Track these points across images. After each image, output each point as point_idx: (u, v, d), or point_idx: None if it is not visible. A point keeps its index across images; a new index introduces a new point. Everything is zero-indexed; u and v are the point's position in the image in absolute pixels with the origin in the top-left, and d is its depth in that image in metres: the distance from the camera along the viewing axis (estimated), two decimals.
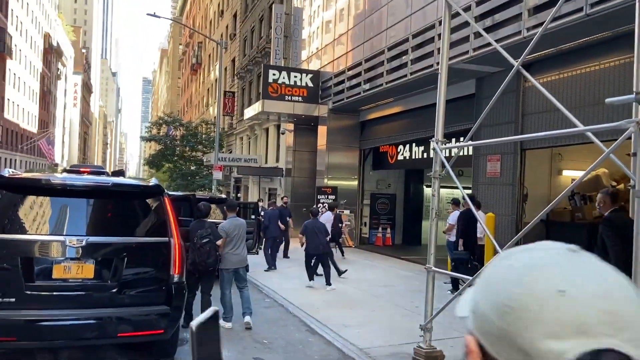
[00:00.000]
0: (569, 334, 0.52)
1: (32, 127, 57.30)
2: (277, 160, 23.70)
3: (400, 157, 15.84)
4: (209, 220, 7.26)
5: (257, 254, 12.67)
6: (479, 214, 10.56)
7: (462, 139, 12.64)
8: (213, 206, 11.36)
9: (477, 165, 11.34)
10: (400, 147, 15.68)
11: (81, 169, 6.94)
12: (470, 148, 12.22)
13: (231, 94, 30.67)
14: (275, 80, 17.34)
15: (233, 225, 7.13)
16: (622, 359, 0.50)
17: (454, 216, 10.44)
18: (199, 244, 6.63)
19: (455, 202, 10.70)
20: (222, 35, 38.08)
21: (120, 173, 11.62)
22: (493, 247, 10.69)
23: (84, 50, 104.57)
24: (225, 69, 36.12)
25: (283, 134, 20.99)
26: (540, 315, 0.53)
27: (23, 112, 53.97)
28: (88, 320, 4.42)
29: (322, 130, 17.89)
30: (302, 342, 6.68)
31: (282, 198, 16.81)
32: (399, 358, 5.82)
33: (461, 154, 12.79)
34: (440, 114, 5.56)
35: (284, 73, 17.59)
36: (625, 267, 4.96)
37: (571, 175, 11.39)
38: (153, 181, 5.51)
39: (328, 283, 9.77)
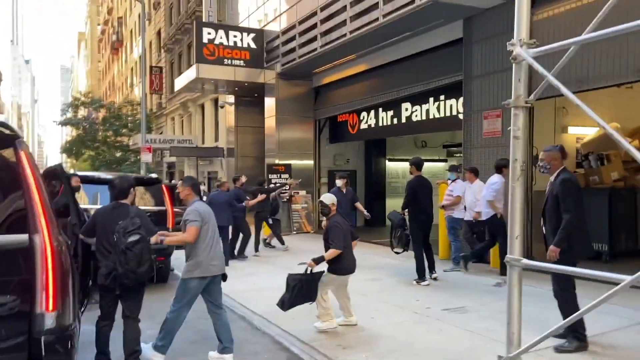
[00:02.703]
0: None
1: None
2: (217, 139, 20.93)
3: (363, 126, 13.68)
4: (132, 205, 4.63)
5: None
6: (477, 184, 8.65)
7: (442, 97, 10.68)
8: (141, 190, 8.70)
9: (469, 125, 9.36)
10: (364, 114, 13.50)
11: None
12: (456, 105, 10.26)
13: (158, 70, 27.26)
14: (211, 41, 14.58)
15: (207, 211, 4.71)
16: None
17: (460, 186, 8.43)
18: (123, 245, 4.07)
19: (458, 170, 8.69)
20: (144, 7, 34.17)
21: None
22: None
23: None
24: (150, 43, 32.43)
25: (222, 107, 18.26)
26: None
27: None
28: None
29: (269, 101, 15.39)
30: None
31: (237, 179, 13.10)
32: None
33: (442, 114, 10.83)
34: (524, 4, 3.22)
35: (221, 32, 14.83)
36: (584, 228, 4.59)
37: (577, 132, 9.70)
38: None
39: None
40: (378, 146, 16.21)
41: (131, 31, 40.40)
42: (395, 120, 12.32)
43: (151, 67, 27.88)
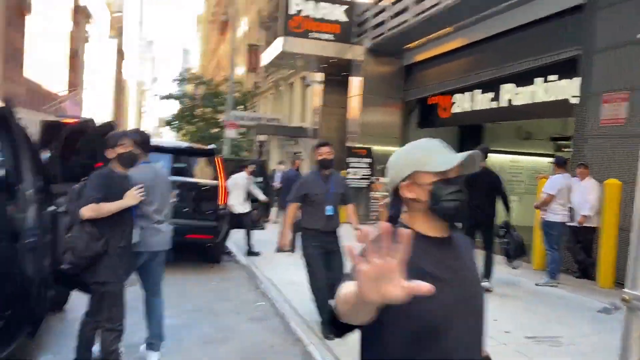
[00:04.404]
0: None
1: (59, 88, 55.63)
2: (303, 119, 20.30)
3: (456, 109, 12.14)
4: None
5: (264, 228, 9.44)
6: (588, 181, 6.98)
7: (551, 76, 8.93)
8: (202, 162, 8.10)
9: (583, 111, 7.62)
10: (458, 95, 11.96)
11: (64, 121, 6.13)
12: (568, 86, 8.50)
13: (256, 48, 27.20)
14: (298, 13, 13.78)
15: (149, 175, 3.67)
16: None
17: (553, 182, 6.84)
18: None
19: (559, 162, 7.07)
20: None
21: (109, 127, 8.55)
22: (616, 227, 7.02)
23: (117, 14, 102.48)
24: (253, 22, 32.62)
25: (308, 86, 17.50)
26: None
27: (48, 71, 52.18)
28: None
29: (355, 80, 14.32)
30: None
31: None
32: None
33: (550, 97, 9.08)
34: None
35: (311, 3, 13.94)
36: None
37: None
38: None
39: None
40: (474, 135, 14.49)
41: (237, 11, 41.09)
42: (493, 104, 10.68)
43: (249, 45, 27.95)
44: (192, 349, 4.25)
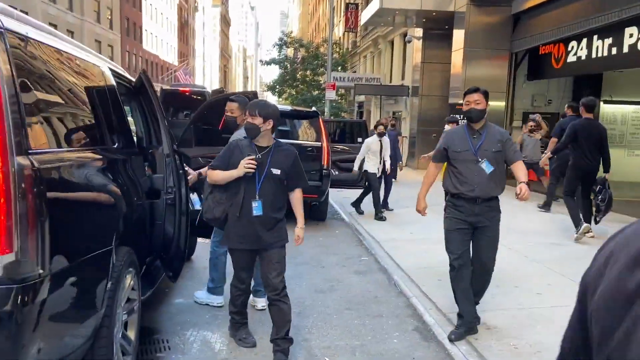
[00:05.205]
0: None
1: (171, 58, 59.49)
2: (403, 77, 19.94)
3: (571, 59, 11.23)
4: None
5: None
6: None
7: None
8: (305, 124, 8.43)
9: None
10: (573, 43, 11.03)
11: (180, 89, 6.58)
12: None
13: (354, 6, 26.89)
14: None
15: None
16: None
17: None
18: None
19: None
20: None
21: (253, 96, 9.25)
22: None
23: None
24: None
25: (409, 42, 17.07)
26: None
27: (162, 43, 55.86)
28: None
29: (458, 34, 13.72)
30: None
31: None
32: None
33: None
34: None
35: None
36: None
37: None
38: None
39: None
40: (591, 84, 13.33)
41: None
42: (614, 51, 9.72)
43: (347, 4, 27.68)
44: (303, 296, 4.65)
